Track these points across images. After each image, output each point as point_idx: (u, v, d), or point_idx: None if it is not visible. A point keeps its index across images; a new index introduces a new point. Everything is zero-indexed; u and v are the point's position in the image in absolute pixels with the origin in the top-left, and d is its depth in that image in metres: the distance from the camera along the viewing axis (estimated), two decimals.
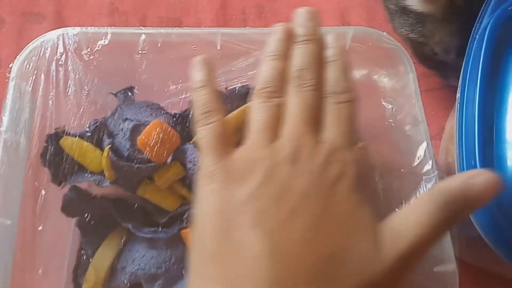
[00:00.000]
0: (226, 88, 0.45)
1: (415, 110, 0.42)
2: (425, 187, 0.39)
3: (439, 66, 0.53)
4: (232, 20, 0.67)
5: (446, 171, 0.44)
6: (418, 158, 0.40)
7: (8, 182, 0.38)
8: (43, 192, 0.41)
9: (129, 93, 0.45)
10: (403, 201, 0.41)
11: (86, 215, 0.43)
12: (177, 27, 0.66)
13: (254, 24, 0.67)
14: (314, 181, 0.30)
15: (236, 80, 0.45)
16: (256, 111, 0.33)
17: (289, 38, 0.36)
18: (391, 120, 0.44)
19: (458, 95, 0.39)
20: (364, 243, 0.29)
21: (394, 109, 0.44)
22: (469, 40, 0.41)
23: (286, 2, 0.69)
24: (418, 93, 0.42)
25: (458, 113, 0.38)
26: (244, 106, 0.43)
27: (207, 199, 0.30)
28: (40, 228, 0.40)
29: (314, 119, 0.33)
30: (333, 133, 0.33)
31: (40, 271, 0.40)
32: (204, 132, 0.33)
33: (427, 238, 0.29)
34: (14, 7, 0.66)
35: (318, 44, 0.36)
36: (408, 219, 0.30)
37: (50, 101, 0.41)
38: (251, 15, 0.68)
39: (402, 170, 0.42)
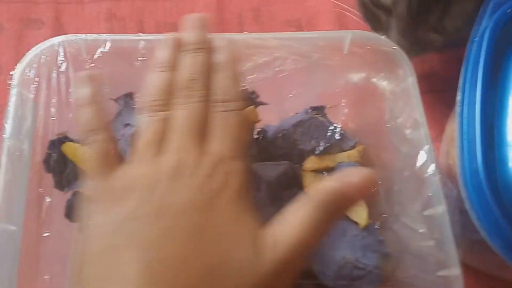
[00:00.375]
0: None
1: (415, 114, 0.42)
2: (428, 190, 0.39)
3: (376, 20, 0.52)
4: (228, 24, 0.67)
5: (447, 174, 0.44)
6: (420, 162, 0.40)
7: (12, 188, 0.38)
8: (47, 198, 0.41)
9: (129, 99, 0.45)
10: (405, 205, 0.42)
11: None
12: (174, 31, 0.66)
13: (250, 28, 0.67)
14: (194, 195, 0.30)
15: None
16: (142, 126, 0.33)
17: (178, 47, 0.36)
18: (391, 124, 0.44)
19: (458, 97, 0.39)
20: (244, 253, 0.29)
21: (394, 112, 0.44)
22: (468, 43, 0.41)
23: (282, 6, 0.69)
24: (418, 96, 0.42)
25: (459, 116, 0.39)
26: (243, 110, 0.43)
27: (87, 221, 0.30)
28: (45, 234, 0.40)
29: (201, 131, 0.33)
30: (219, 143, 0.32)
31: (46, 277, 0.40)
32: (87, 151, 0.32)
33: (307, 240, 0.30)
34: (12, 13, 0.66)
35: (207, 51, 0.36)
36: (287, 222, 0.30)
37: (52, 108, 0.41)
38: (248, 19, 0.68)
39: (404, 174, 0.42)
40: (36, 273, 0.40)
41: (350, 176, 0.31)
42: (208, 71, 0.35)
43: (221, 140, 0.32)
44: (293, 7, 0.69)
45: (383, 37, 0.44)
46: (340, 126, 0.48)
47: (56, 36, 0.43)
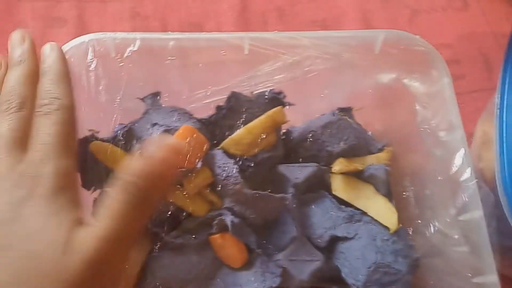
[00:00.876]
0: (252, 92, 0.45)
1: (450, 116, 0.41)
2: (464, 195, 0.38)
3: None
4: (252, 24, 0.67)
5: (478, 177, 0.43)
6: (455, 166, 0.39)
7: None
8: None
9: (157, 98, 0.44)
10: (438, 209, 0.41)
11: None
12: (198, 31, 0.66)
13: (274, 27, 0.67)
14: (1, 208, 0.30)
15: (262, 85, 0.45)
16: None
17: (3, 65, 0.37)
18: (424, 126, 0.43)
19: (497, 100, 0.38)
20: (52, 256, 0.28)
21: (427, 114, 0.43)
22: (508, 43, 0.40)
23: (306, 5, 0.68)
24: (454, 98, 0.41)
25: (497, 119, 0.38)
26: (270, 111, 0.43)
27: None
28: None
29: (21, 140, 0.32)
30: (33, 148, 0.32)
31: None
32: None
33: (119, 229, 0.29)
34: (36, 12, 0.66)
35: (30, 62, 0.37)
36: (98, 214, 0.30)
37: (81, 107, 0.41)
38: (272, 19, 0.67)
39: (437, 177, 0.41)
40: None
41: (154, 150, 0.31)
42: (31, 80, 0.36)
43: (35, 145, 0.32)
44: (318, 7, 0.68)
45: (417, 36, 0.43)
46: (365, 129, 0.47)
47: (78, 35, 0.42)
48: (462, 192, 0.38)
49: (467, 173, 0.38)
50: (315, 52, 0.44)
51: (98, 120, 0.42)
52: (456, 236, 0.38)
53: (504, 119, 0.37)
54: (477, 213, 0.37)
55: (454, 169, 0.39)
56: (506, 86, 0.38)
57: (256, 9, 0.68)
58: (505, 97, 0.38)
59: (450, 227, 0.39)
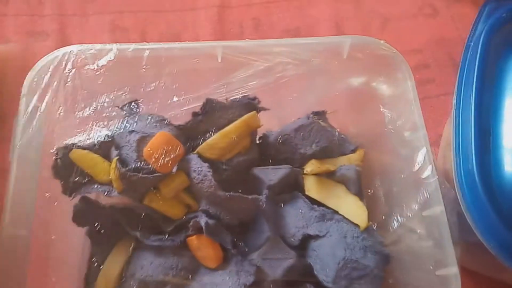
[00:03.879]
0: (227, 98, 0.46)
1: (414, 116, 0.43)
2: (426, 191, 0.40)
3: None
4: (229, 34, 0.68)
5: (444, 178, 0.45)
6: (418, 164, 0.41)
7: (22, 194, 0.39)
8: (55, 203, 0.42)
9: (134, 106, 0.46)
10: (404, 206, 0.42)
11: (95, 224, 0.44)
12: (177, 42, 0.67)
13: (251, 37, 0.68)
14: None
15: (237, 91, 0.46)
16: None
17: None
18: (390, 127, 0.45)
19: (454, 101, 0.40)
20: None
21: (393, 115, 0.45)
22: (464, 47, 0.42)
23: (282, 15, 0.70)
24: (417, 99, 0.43)
25: (454, 119, 0.39)
26: (245, 116, 0.44)
27: None
28: (53, 237, 0.41)
29: None
30: None
31: (53, 279, 0.41)
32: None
33: None
34: (19, 27, 0.67)
35: None
36: None
37: (59, 116, 0.42)
38: (248, 29, 0.69)
39: (402, 176, 0.43)
40: (44, 276, 0.41)
41: None
42: None
43: None
44: (292, 16, 0.70)
45: (382, 41, 0.45)
46: (339, 131, 0.49)
47: (60, 47, 0.44)
48: (424, 188, 0.40)
49: (428, 171, 0.40)
50: (286, 59, 0.45)
51: (77, 129, 0.44)
52: (421, 231, 0.40)
53: (460, 118, 0.38)
54: (439, 209, 0.39)
55: (417, 166, 0.41)
56: (462, 87, 0.39)
57: (233, 20, 0.69)
58: (461, 97, 0.39)
59: (415, 223, 0.41)
